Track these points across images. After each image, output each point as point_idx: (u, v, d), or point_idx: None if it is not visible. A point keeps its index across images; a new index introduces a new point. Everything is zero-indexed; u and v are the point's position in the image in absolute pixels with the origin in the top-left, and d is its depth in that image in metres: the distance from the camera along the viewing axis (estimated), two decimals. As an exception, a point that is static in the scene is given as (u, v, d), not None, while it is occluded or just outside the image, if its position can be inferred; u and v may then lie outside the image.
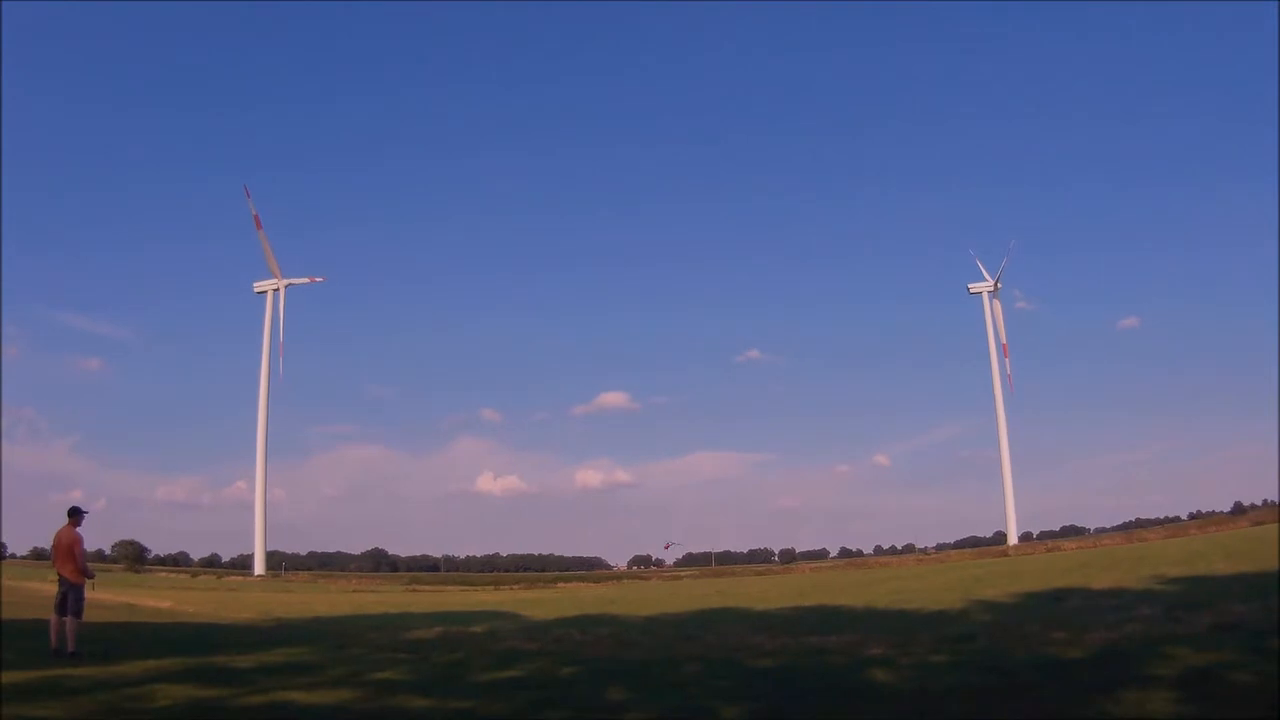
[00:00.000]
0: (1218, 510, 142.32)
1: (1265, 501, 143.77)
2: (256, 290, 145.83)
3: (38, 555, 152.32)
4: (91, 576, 19.55)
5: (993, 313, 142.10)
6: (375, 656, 20.41)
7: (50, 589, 21.59)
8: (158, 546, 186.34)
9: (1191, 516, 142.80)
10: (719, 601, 40.96)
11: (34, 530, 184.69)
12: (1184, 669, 11.92)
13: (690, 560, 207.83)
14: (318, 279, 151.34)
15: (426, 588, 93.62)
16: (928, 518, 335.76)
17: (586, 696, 13.71)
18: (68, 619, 18.48)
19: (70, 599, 18.63)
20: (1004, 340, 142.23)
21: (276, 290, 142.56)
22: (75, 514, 19.22)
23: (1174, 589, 25.56)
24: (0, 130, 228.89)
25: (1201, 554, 41.82)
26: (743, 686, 14.21)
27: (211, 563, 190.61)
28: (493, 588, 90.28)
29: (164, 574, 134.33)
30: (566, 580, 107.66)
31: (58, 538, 19.02)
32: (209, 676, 15.98)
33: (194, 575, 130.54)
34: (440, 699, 13.80)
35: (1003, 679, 12.81)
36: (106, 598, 47.97)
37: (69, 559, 18.82)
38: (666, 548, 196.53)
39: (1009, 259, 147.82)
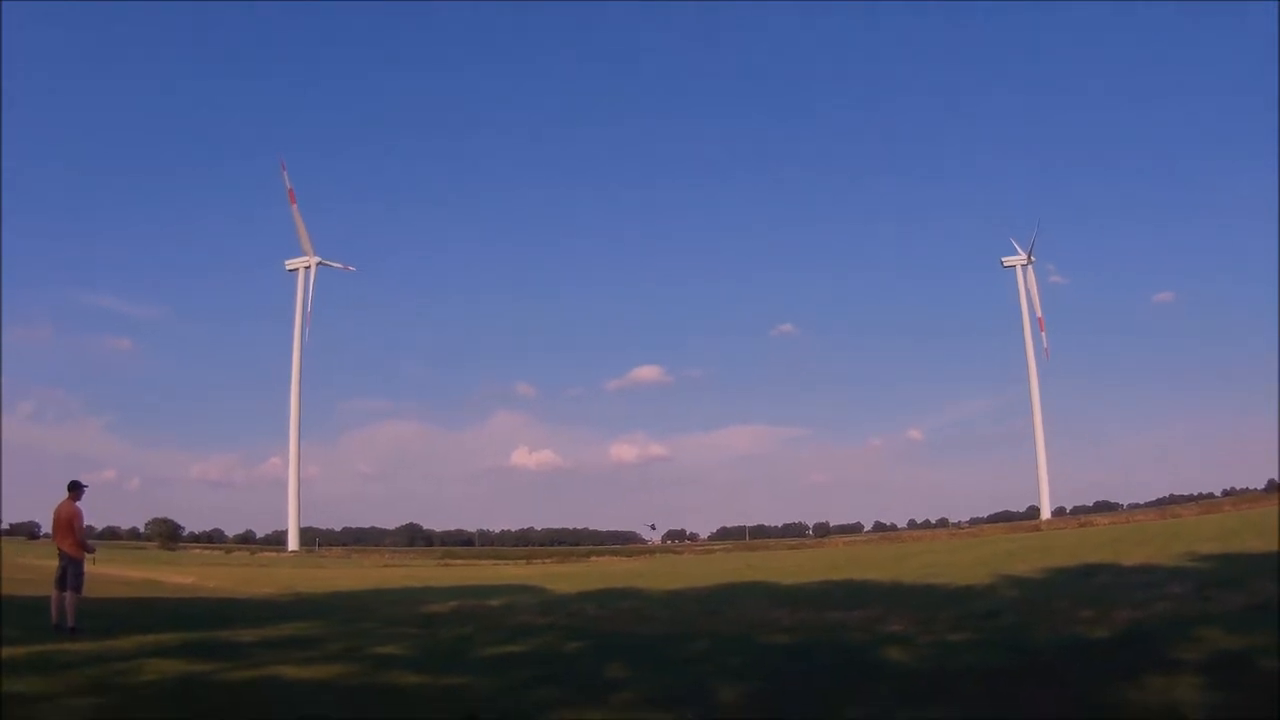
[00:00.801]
0: (1252, 487, 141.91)
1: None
2: (288, 268, 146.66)
3: (27, 532, 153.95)
4: (91, 551, 19.12)
5: (1026, 286, 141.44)
6: (383, 631, 20.11)
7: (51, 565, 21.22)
8: (192, 525, 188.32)
9: (1226, 493, 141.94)
10: (748, 575, 40.41)
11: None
12: (1213, 652, 11.34)
13: (724, 534, 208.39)
14: (350, 268, 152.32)
15: (458, 562, 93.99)
16: (961, 492, 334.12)
17: (584, 673, 13.28)
18: (68, 594, 18.07)
19: (70, 574, 18.21)
20: (1040, 314, 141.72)
21: (308, 268, 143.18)
22: (75, 488, 18.78)
23: (1206, 566, 25.02)
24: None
25: (1235, 531, 41.20)
26: (751, 664, 13.70)
27: (246, 540, 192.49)
28: (525, 561, 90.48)
29: (197, 551, 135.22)
30: (599, 554, 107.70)
31: (57, 512, 18.60)
32: (205, 651, 15.67)
33: (227, 552, 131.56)
34: (434, 675, 13.36)
35: (1023, 659, 12.31)
36: (130, 574, 48.43)
37: (68, 533, 18.38)
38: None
39: (1038, 233, 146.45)
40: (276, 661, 14.46)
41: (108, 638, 17.07)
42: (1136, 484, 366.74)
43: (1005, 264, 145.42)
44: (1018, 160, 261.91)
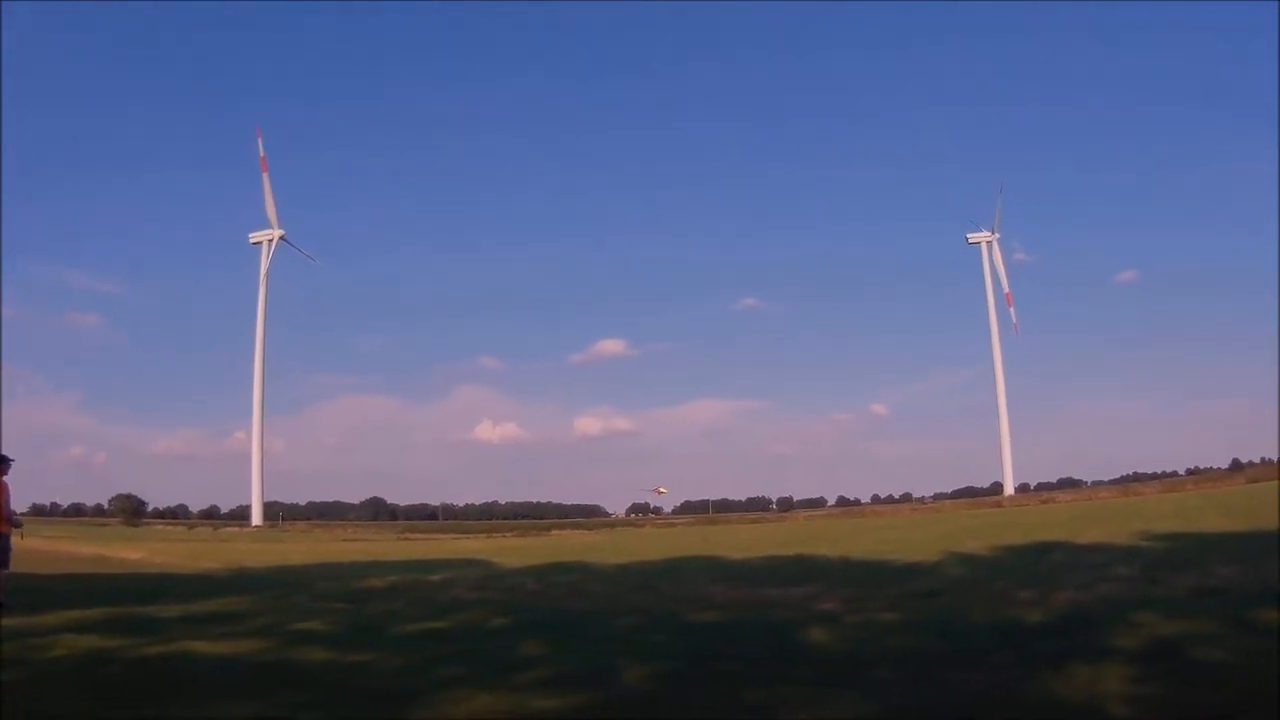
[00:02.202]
0: (1216, 466, 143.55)
1: (1264, 459, 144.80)
2: (252, 241, 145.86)
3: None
4: (18, 525, 18.67)
5: (992, 263, 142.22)
6: (310, 606, 19.72)
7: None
8: (157, 500, 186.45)
9: (1189, 472, 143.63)
10: (701, 549, 40.60)
11: (34, 489, 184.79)
12: (1149, 640, 11.04)
13: (688, 508, 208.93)
14: (313, 258, 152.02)
15: (419, 536, 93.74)
16: (926, 467, 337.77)
17: (498, 651, 12.86)
18: (-6, 569, 17.63)
19: (-4, 549, 17.75)
20: (1007, 289, 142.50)
21: (271, 241, 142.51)
22: (1, 462, 18.25)
23: (1160, 546, 25.20)
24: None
25: (1196, 510, 41.67)
26: (670, 643, 13.34)
27: (210, 515, 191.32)
28: (485, 535, 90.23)
29: (160, 527, 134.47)
30: (561, 527, 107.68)
31: (-17, 488, 18.06)
32: (122, 626, 15.41)
33: (190, 528, 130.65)
34: (344, 651, 13.04)
35: (949, 643, 12.00)
36: (82, 550, 47.78)
37: (-7, 508, 17.87)
38: (658, 492, 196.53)
39: (1001, 203, 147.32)
40: (191, 637, 14.18)
41: (33, 614, 16.76)
42: (1100, 461, 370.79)
43: (971, 240, 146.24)
44: (983, 136, 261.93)
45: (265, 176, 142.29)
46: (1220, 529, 29.51)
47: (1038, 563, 23.30)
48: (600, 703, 9.46)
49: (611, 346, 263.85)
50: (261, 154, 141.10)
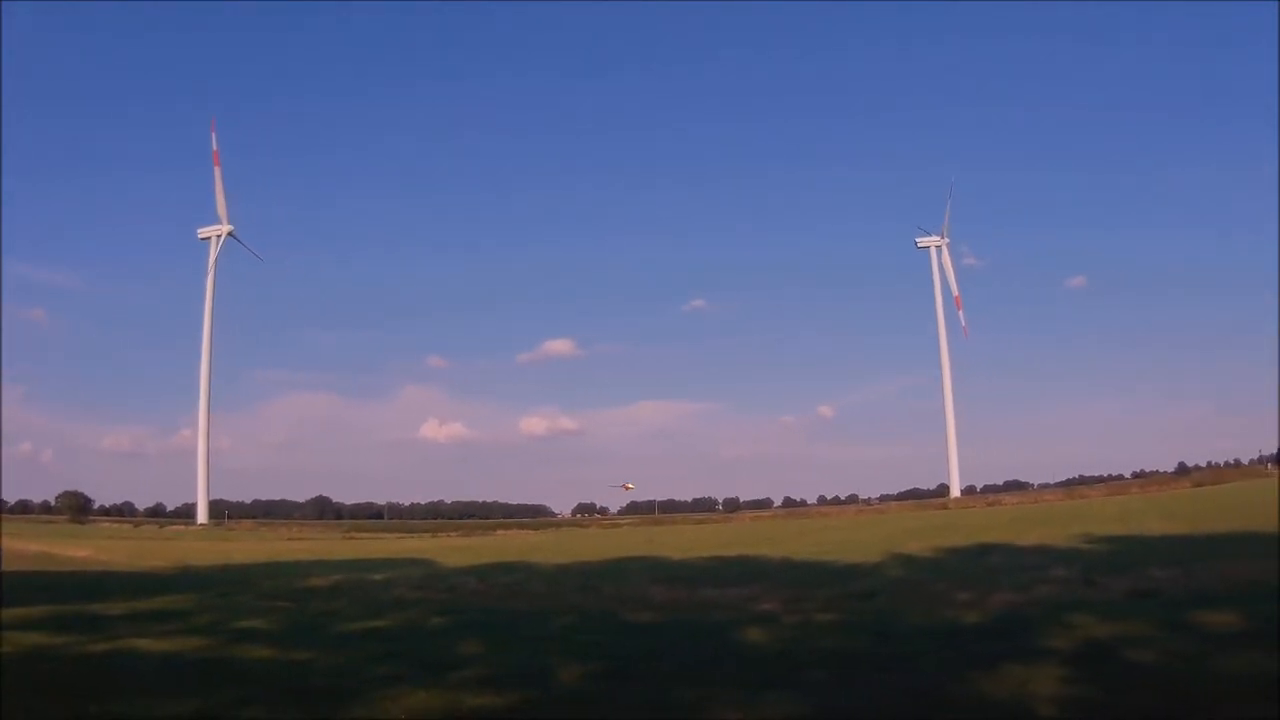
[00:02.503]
0: (1162, 470, 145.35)
1: (1210, 463, 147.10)
2: (200, 236, 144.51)
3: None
4: None
5: (941, 266, 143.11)
6: (254, 605, 19.88)
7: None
8: (104, 497, 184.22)
9: (1135, 475, 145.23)
10: (644, 550, 40.74)
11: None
12: (1082, 642, 11.22)
13: (634, 509, 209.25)
14: (260, 256, 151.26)
15: (364, 535, 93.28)
16: (874, 469, 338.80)
17: (434, 649, 13.03)
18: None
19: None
20: (956, 293, 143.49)
21: (219, 236, 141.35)
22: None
23: (1100, 549, 25.59)
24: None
25: (1138, 513, 42.17)
26: (606, 642, 13.48)
27: (157, 513, 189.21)
28: (430, 535, 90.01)
29: (106, 524, 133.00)
30: (506, 527, 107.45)
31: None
32: (67, 624, 15.55)
33: (136, 525, 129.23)
34: (285, 649, 13.23)
35: (882, 645, 12.16)
36: (29, 547, 47.66)
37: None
38: (625, 488, 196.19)
39: (950, 206, 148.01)
40: (135, 634, 14.33)
41: (-21, 611, 16.62)
42: (1047, 464, 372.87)
43: (920, 245, 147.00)
44: (934, 141, 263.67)
45: (217, 171, 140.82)
46: (1161, 532, 30.09)
47: (977, 564, 23.62)
48: (534, 701, 9.58)
49: (559, 346, 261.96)
50: (214, 147, 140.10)
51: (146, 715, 9.30)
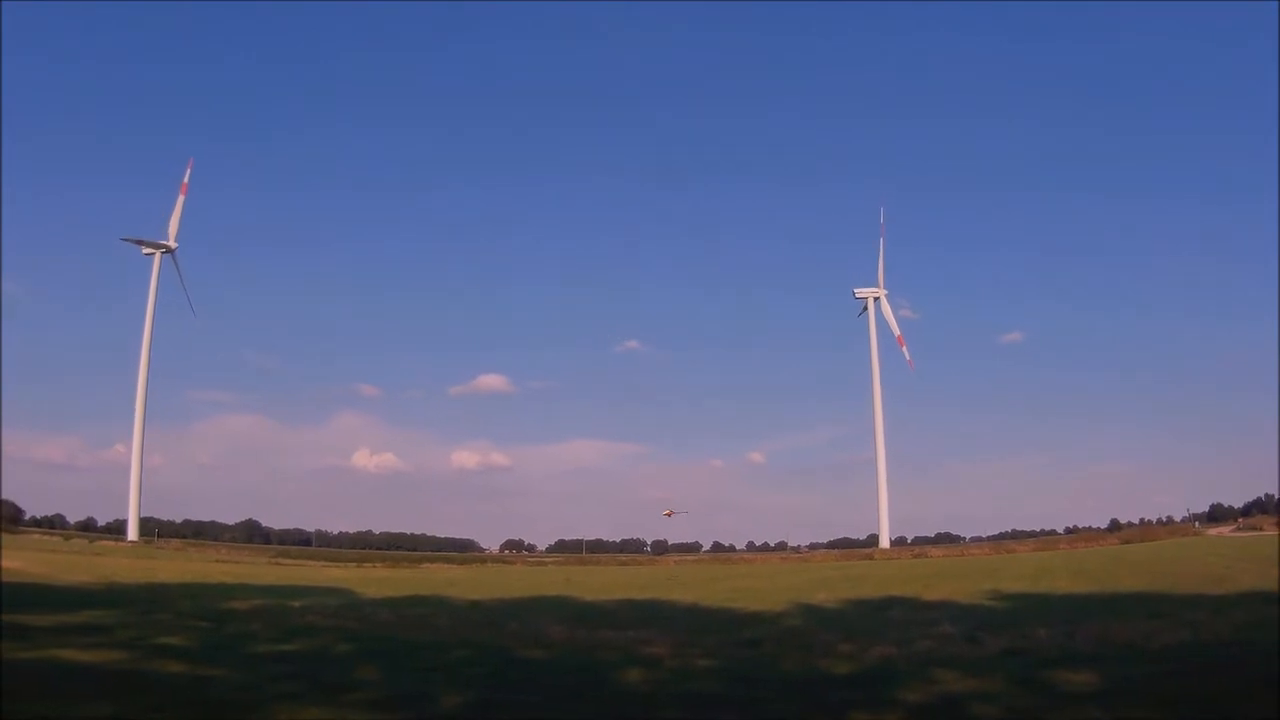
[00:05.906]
0: (1095, 525, 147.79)
1: (1142, 519, 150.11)
2: (144, 253, 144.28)
3: None
4: None
5: (879, 316, 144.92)
6: (174, 623, 20.92)
7: None
8: (34, 509, 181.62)
9: (1067, 531, 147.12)
10: (560, 589, 41.59)
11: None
12: (936, 696, 12.23)
13: (561, 547, 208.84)
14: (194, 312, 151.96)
15: (290, 561, 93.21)
16: (805, 517, 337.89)
17: (335, 673, 14.36)
18: None
19: None
20: (898, 333, 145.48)
21: (163, 253, 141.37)
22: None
23: (998, 605, 26.75)
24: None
25: (1050, 571, 43.36)
26: (490, 674, 14.94)
27: (88, 527, 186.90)
28: (355, 565, 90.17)
29: (36, 536, 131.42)
30: (433, 561, 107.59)
31: None
32: None
33: (66, 539, 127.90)
34: (197, 665, 14.42)
35: (742, 690, 13.41)
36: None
37: None
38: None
39: (884, 248, 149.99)
40: (59, 645, 15.31)
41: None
42: (979, 517, 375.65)
43: (858, 295, 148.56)
44: (871, 188, 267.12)
45: (181, 199, 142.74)
46: (1066, 590, 31.40)
47: (875, 617, 24.69)
48: (412, 721, 10.94)
49: (492, 381, 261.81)
50: (185, 180, 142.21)
51: (63, 717, 10.48)
